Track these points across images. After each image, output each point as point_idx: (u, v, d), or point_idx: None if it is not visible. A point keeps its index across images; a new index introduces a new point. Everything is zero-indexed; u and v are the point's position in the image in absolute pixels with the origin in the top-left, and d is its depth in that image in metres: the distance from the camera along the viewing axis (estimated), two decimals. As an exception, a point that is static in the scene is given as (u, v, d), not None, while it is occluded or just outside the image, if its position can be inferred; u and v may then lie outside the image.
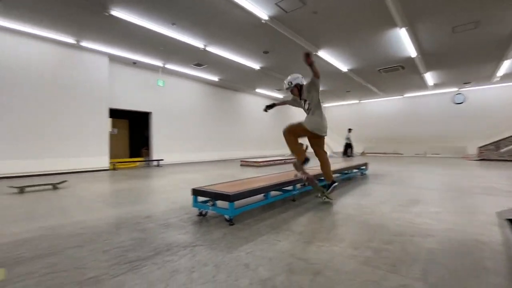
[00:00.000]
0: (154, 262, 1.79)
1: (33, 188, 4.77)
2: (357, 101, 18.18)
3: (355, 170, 5.89)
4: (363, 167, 6.30)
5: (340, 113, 19.36)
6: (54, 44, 7.41)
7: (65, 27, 6.66)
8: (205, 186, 3.07)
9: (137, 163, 10.08)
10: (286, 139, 3.49)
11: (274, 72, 10.58)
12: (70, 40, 7.32)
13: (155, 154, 10.38)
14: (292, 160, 4.58)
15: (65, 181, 5.30)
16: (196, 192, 2.87)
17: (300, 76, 3.42)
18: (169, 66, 9.82)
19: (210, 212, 2.98)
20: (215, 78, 11.69)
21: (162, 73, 10.29)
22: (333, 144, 17.30)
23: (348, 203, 3.51)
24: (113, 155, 9.11)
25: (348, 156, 13.37)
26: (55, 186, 4.94)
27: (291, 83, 3.39)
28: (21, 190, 4.57)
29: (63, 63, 7.64)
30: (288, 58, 8.99)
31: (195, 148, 11.86)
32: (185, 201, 3.62)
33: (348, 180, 5.47)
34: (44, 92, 7.26)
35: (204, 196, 2.82)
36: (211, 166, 9.37)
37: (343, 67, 9.92)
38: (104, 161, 8.43)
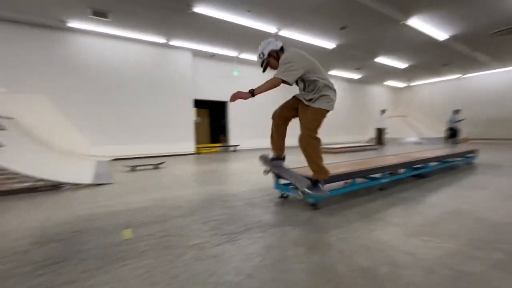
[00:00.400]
0: (247, 237, 1.88)
1: (140, 168, 5.76)
2: (457, 76, 15.01)
3: (458, 159, 4.90)
4: (470, 155, 5.18)
5: (434, 92, 16.42)
6: (149, 45, 8.59)
7: (157, 29, 7.61)
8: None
9: (217, 148, 11.00)
10: (315, 147, 2.21)
11: (352, 49, 9.66)
12: (162, 40, 8.35)
13: (232, 140, 11.10)
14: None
15: (163, 162, 6.21)
16: (278, 175, 2.89)
17: (272, 40, 2.33)
18: (243, 55, 10.14)
19: (291, 194, 2.96)
20: (286, 63, 11.50)
21: (237, 63, 10.74)
22: (423, 128, 14.94)
23: (454, 196, 2.94)
24: (197, 141, 10.18)
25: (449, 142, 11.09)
26: (156, 166, 5.84)
27: (263, 54, 2.31)
28: (133, 168, 5.58)
29: (157, 61, 8.82)
30: (369, 31, 8.02)
31: (267, 134, 12.10)
32: (265, 183, 3.72)
33: (450, 170, 4.60)
34: (144, 88, 8.58)
35: (286, 179, 2.81)
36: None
37: (442, 34, 8.22)
38: (190, 146, 9.51)
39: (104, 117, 7.90)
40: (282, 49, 2.34)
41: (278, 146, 2.53)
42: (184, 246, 1.76)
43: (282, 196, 2.94)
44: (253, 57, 10.38)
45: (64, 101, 7.32)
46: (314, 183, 2.26)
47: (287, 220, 2.22)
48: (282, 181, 2.90)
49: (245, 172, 5.01)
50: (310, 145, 2.20)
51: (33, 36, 6.96)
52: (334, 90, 2.29)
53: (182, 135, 9.36)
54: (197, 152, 9.73)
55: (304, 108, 2.26)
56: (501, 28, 7.85)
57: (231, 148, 10.81)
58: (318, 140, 2.23)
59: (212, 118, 12.96)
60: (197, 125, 10.56)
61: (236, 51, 9.75)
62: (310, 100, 2.23)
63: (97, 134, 7.78)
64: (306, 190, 2.21)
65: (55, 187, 3.72)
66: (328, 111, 2.25)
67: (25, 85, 6.89)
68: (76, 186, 3.83)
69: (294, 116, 2.41)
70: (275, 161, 2.60)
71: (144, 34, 7.91)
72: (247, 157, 7.87)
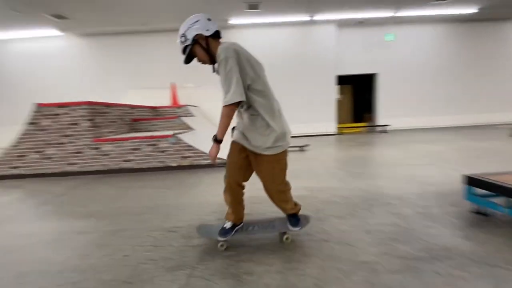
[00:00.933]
0: (435, 271, 1.43)
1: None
2: None
3: None
4: None
5: None
6: (293, 26, 8.65)
7: (301, 7, 7.43)
8: (490, 174, 2.14)
9: (361, 129, 10.02)
10: (286, 196, 1.80)
11: None
12: (306, 17, 8.16)
13: (379, 119, 9.70)
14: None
15: (308, 145, 6.29)
16: (473, 182, 2.08)
17: (201, 19, 1.55)
18: (401, 13, 8.24)
19: (498, 212, 2.07)
20: (469, 10, 8.34)
21: (392, 25, 8.93)
22: None
23: None
24: (338, 120, 9.66)
25: None
26: (301, 149, 6.00)
27: (185, 37, 1.55)
28: (281, 149, 6.01)
29: (301, 41, 8.83)
30: None
31: (429, 110, 9.65)
32: (441, 185, 2.88)
33: None
34: (289, 70, 8.89)
35: (490, 190, 1.97)
36: (456, 135, 7.17)
37: None
38: (331, 126, 9.17)
39: (256, 101, 8.95)
40: (216, 36, 1.58)
41: (240, 215, 1.80)
42: (351, 261, 1.57)
43: (478, 212, 2.12)
44: (415, 12, 8.24)
45: (228, 89, 8.86)
46: (293, 217, 1.83)
47: (499, 258, 1.53)
48: (480, 191, 2.07)
49: (406, 163, 4.16)
50: (281, 199, 1.79)
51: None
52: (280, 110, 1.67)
53: (323, 115, 9.15)
54: (339, 133, 9.26)
55: (258, 158, 1.65)
56: None
57: (379, 128, 9.50)
58: (288, 188, 1.83)
59: (356, 95, 11.80)
60: (339, 103, 9.96)
61: (391, 10, 8.05)
62: (259, 147, 1.59)
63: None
64: (292, 229, 1.81)
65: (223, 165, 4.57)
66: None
67: (202, 79, 8.85)
68: (240, 165, 4.54)
69: (251, 174, 1.77)
70: (237, 231, 1.80)
71: (289, 15, 8.00)
72: (402, 141, 6.60)
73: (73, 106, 4.39)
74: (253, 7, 7.16)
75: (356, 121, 11.22)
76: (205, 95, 8.85)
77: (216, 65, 1.57)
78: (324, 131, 9.08)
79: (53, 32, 8.23)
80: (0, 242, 2.14)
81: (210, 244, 1.87)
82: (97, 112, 4.63)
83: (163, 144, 4.56)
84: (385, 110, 9.65)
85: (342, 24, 8.83)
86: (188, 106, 7.38)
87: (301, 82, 8.97)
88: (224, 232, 1.76)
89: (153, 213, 2.55)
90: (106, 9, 6.92)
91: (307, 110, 9.07)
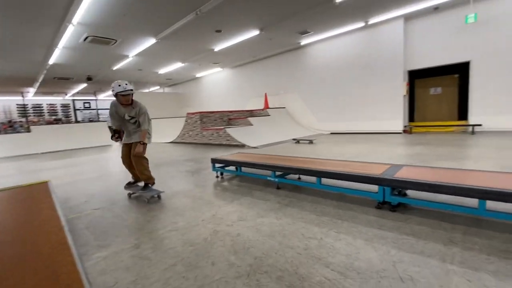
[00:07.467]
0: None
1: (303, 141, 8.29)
2: None
3: None
4: None
5: None
6: (353, 33, 9.41)
7: (357, 16, 8.37)
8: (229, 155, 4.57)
9: (453, 128, 8.47)
10: (146, 163, 3.43)
11: None
12: (361, 23, 8.82)
13: (473, 117, 7.82)
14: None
15: (315, 139, 7.99)
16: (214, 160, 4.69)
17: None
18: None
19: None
20: None
21: (473, 3, 7.02)
22: None
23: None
24: (430, 117, 8.90)
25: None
26: (311, 142, 7.95)
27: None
28: (298, 142, 8.34)
29: (361, 44, 9.41)
30: None
31: None
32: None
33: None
34: (353, 72, 9.81)
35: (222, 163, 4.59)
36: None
37: None
38: (397, 124, 8.93)
39: (324, 101, 10.82)
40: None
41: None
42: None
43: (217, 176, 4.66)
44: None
45: (304, 93, 11.45)
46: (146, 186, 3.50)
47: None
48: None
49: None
50: (144, 164, 3.39)
51: (284, 58, 11.79)
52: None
53: (389, 113, 9.12)
54: (409, 131, 8.79)
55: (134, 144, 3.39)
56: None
57: (470, 129, 7.81)
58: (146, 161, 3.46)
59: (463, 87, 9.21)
60: (435, 98, 8.95)
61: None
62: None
63: (321, 113, 10.97)
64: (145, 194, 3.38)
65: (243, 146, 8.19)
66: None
67: (288, 87, 12.02)
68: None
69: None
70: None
71: (344, 27, 9.13)
72: (497, 147, 5.30)
73: (194, 115, 9.96)
74: (305, 32, 9.32)
75: (461, 118, 9.09)
76: (290, 99, 12.01)
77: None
78: (389, 130, 9.02)
79: (218, 69, 15.06)
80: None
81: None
82: (205, 116, 9.93)
83: (222, 133, 9.00)
84: (482, 106, 7.58)
85: (412, 16, 8.15)
86: (269, 109, 11.14)
87: (368, 82, 9.45)
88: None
89: (194, 161, 7.12)
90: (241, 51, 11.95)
91: (371, 109, 9.47)
